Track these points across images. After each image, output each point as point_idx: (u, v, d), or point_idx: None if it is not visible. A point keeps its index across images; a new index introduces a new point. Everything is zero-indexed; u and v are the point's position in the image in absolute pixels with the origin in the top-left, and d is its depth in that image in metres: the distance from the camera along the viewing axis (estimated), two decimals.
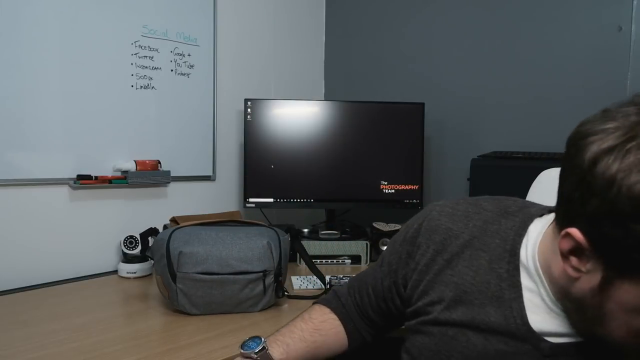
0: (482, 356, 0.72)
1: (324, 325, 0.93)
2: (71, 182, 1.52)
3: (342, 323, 0.94)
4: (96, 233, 1.59)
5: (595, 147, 0.59)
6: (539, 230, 0.73)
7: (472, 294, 0.75)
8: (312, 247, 1.74)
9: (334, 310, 0.95)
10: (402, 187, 1.87)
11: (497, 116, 1.85)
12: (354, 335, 0.94)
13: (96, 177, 1.56)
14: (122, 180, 1.60)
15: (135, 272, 1.52)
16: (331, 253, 1.77)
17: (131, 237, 1.57)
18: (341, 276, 1.41)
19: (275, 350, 0.86)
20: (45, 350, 0.99)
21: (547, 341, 0.69)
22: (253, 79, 2.05)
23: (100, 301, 1.31)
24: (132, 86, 1.65)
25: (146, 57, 1.67)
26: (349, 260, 1.78)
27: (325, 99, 2.30)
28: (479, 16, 1.89)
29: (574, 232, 0.61)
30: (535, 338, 0.69)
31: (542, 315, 0.70)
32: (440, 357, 0.76)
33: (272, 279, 1.22)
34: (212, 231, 1.22)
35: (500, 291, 0.72)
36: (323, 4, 2.32)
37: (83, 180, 1.52)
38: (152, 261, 1.39)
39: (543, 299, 0.70)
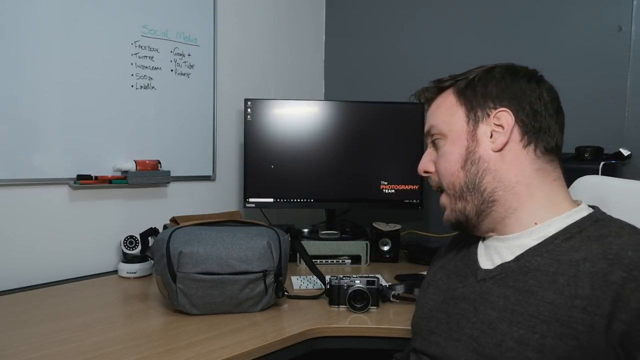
0: None
1: None
2: (71, 182, 1.52)
3: None
4: (96, 233, 1.59)
5: None
6: None
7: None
8: (312, 247, 1.74)
9: None
10: (402, 187, 1.87)
11: None
12: None
13: (96, 177, 1.56)
14: (122, 180, 1.60)
15: (135, 272, 1.52)
16: (331, 253, 1.77)
17: (131, 237, 1.58)
18: (341, 276, 1.40)
19: None
20: (45, 350, 0.99)
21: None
22: (253, 79, 2.05)
23: (100, 301, 1.31)
24: (132, 86, 1.65)
25: (146, 57, 1.67)
26: (349, 260, 1.78)
27: (325, 99, 2.30)
28: (478, 16, 1.89)
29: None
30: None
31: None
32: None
33: (273, 279, 1.22)
34: (212, 231, 1.22)
35: None
36: (323, 4, 2.32)
37: (83, 180, 1.52)
38: (152, 261, 1.39)
39: None
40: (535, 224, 0.81)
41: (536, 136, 0.83)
